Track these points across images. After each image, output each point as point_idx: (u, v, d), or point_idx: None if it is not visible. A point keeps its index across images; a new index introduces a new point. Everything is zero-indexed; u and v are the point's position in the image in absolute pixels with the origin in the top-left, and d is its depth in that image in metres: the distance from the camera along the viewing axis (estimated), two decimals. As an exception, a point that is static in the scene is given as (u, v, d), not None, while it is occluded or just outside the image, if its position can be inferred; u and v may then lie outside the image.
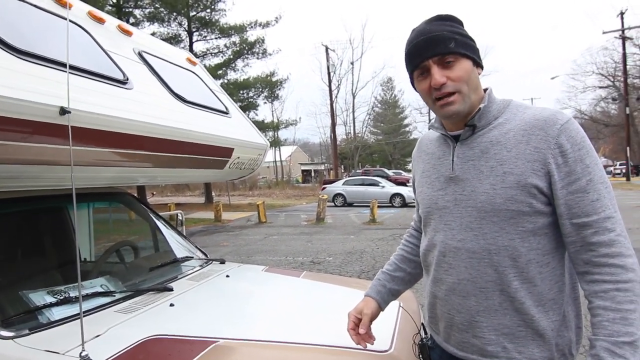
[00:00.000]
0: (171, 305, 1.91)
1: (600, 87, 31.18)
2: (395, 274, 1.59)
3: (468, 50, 1.22)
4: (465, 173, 1.24)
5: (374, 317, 1.52)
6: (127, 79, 2.15)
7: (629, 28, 29.72)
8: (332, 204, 21.38)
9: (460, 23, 1.27)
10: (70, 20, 1.67)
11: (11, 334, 1.53)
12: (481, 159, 1.21)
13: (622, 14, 29.20)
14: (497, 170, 1.17)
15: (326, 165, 52.46)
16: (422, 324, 1.53)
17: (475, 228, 1.20)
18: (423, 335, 1.50)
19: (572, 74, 32.52)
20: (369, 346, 1.53)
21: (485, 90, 1.28)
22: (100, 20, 2.40)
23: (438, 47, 1.19)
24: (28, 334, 1.56)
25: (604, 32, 26.50)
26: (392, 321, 1.89)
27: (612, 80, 30.55)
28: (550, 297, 1.17)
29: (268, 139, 3.39)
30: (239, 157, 2.90)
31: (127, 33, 2.62)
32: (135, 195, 3.31)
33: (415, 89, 1.32)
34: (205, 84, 3.20)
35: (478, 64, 1.25)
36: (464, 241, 1.22)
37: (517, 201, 1.14)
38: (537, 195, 1.14)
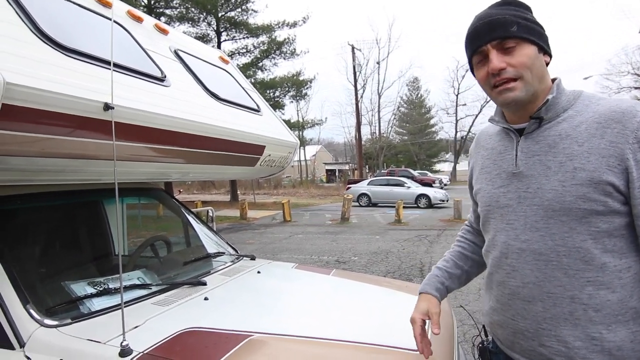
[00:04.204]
0: (205, 299, 1.94)
1: (636, 88, 30.12)
2: (452, 271, 1.49)
3: (533, 34, 1.13)
4: (531, 169, 1.15)
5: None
6: (165, 77, 2.19)
7: (668, 26, 28.64)
8: (357, 203, 21.32)
9: (527, 9, 1.19)
10: (113, 20, 1.72)
11: (55, 322, 1.58)
12: (548, 154, 1.12)
13: (660, 11, 28.19)
14: (566, 166, 1.08)
15: (350, 165, 52.31)
16: (483, 326, 1.43)
17: (541, 228, 1.11)
18: (484, 338, 1.41)
19: (606, 74, 31.44)
20: (404, 345, 1.52)
21: (553, 80, 1.19)
22: (139, 19, 2.45)
23: (497, 30, 1.12)
24: (70, 323, 1.60)
25: (640, 31, 25.73)
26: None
27: (649, 80, 29.55)
28: (632, 305, 1.05)
29: (295, 138, 3.41)
30: (270, 155, 2.92)
31: (164, 32, 2.67)
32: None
33: (475, 77, 1.24)
34: (238, 82, 3.24)
35: (545, 51, 1.17)
36: (529, 242, 1.13)
37: (590, 199, 1.05)
38: (613, 194, 1.04)
